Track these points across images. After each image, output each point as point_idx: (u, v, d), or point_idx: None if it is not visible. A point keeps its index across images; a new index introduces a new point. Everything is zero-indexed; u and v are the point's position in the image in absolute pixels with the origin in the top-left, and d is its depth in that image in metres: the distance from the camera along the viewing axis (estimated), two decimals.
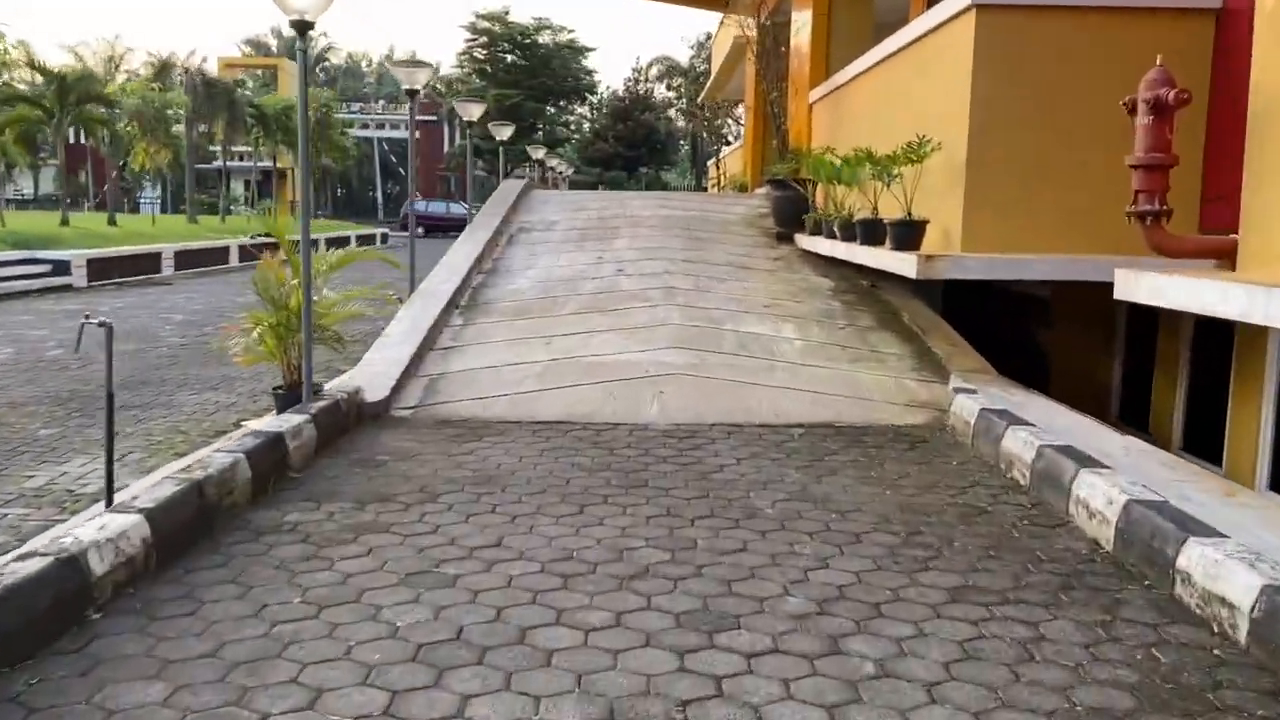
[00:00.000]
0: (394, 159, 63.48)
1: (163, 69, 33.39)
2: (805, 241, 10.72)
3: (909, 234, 7.31)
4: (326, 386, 6.37)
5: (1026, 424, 5.36)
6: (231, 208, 44.97)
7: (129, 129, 30.87)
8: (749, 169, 19.73)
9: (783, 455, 5.51)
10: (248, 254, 24.96)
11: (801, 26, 12.56)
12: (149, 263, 20.21)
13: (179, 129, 33.30)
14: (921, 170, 7.33)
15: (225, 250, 23.49)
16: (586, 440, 5.78)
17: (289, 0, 8.41)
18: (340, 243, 26.70)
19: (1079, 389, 8.70)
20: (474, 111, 19.25)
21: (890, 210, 8.12)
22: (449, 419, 6.26)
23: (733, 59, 22.67)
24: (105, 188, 45.50)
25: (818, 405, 6.51)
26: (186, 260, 21.50)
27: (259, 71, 55.89)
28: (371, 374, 6.70)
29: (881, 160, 7.65)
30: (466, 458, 5.38)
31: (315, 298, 6.21)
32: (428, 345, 7.54)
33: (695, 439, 5.86)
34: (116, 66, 33.19)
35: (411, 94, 12.70)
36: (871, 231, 8.20)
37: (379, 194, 63.34)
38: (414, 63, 12.89)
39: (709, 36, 43.03)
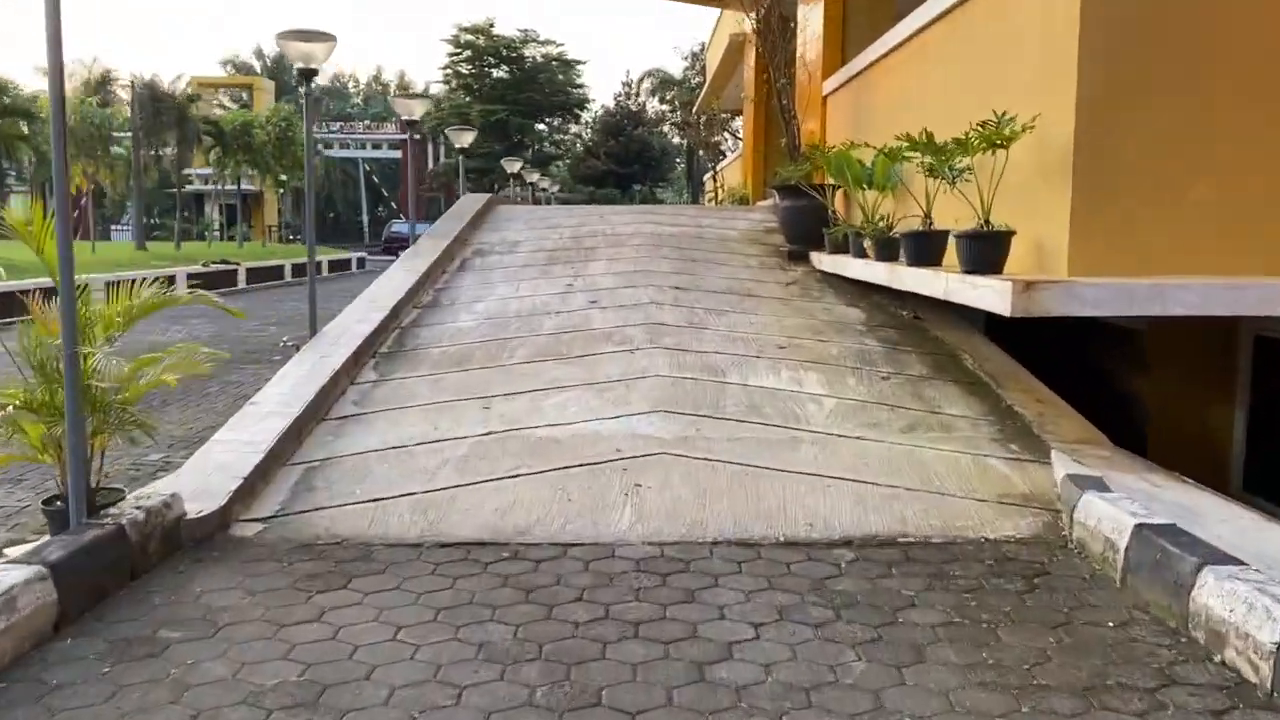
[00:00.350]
0: (376, 180, 61.53)
1: (102, 82, 31.27)
2: (825, 261, 8.63)
3: (988, 251, 5.20)
4: (131, 495, 4.24)
5: (1233, 561, 3.25)
6: (205, 234, 42.97)
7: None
8: (750, 180, 17.69)
9: (829, 610, 3.40)
10: (200, 283, 22.88)
11: (812, 7, 10.49)
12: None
13: (121, 149, 31.18)
14: (998, 162, 5.24)
15: (172, 280, 21.44)
16: (515, 584, 3.66)
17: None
18: (267, 273, 24.26)
19: (1187, 450, 6.61)
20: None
21: (945, 220, 6.04)
22: (315, 541, 4.13)
23: (730, 60, 20.68)
24: (75, 214, 43.50)
25: (869, 505, 4.39)
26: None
27: (242, 93, 53.95)
28: (211, 467, 4.58)
29: (944, 149, 5.55)
30: (306, 630, 3.26)
31: (106, 361, 4.07)
32: (315, 415, 5.43)
33: (686, 574, 3.74)
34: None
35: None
36: (924, 248, 6.12)
37: (364, 216, 61.31)
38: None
39: (703, 47, 41.18)
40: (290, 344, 6.78)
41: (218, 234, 42.44)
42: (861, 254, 7.57)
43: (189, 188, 43.36)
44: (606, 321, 7.29)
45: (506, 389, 5.91)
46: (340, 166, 59.80)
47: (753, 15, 11.22)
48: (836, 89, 10.09)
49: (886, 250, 6.89)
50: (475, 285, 8.56)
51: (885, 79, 8.36)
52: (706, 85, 24.71)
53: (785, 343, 6.77)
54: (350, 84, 78.25)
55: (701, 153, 39.12)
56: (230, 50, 75.10)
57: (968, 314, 7.06)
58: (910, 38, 7.43)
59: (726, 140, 31.62)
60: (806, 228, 9.39)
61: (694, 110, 26.15)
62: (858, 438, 5.17)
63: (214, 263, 24.90)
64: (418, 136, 53.00)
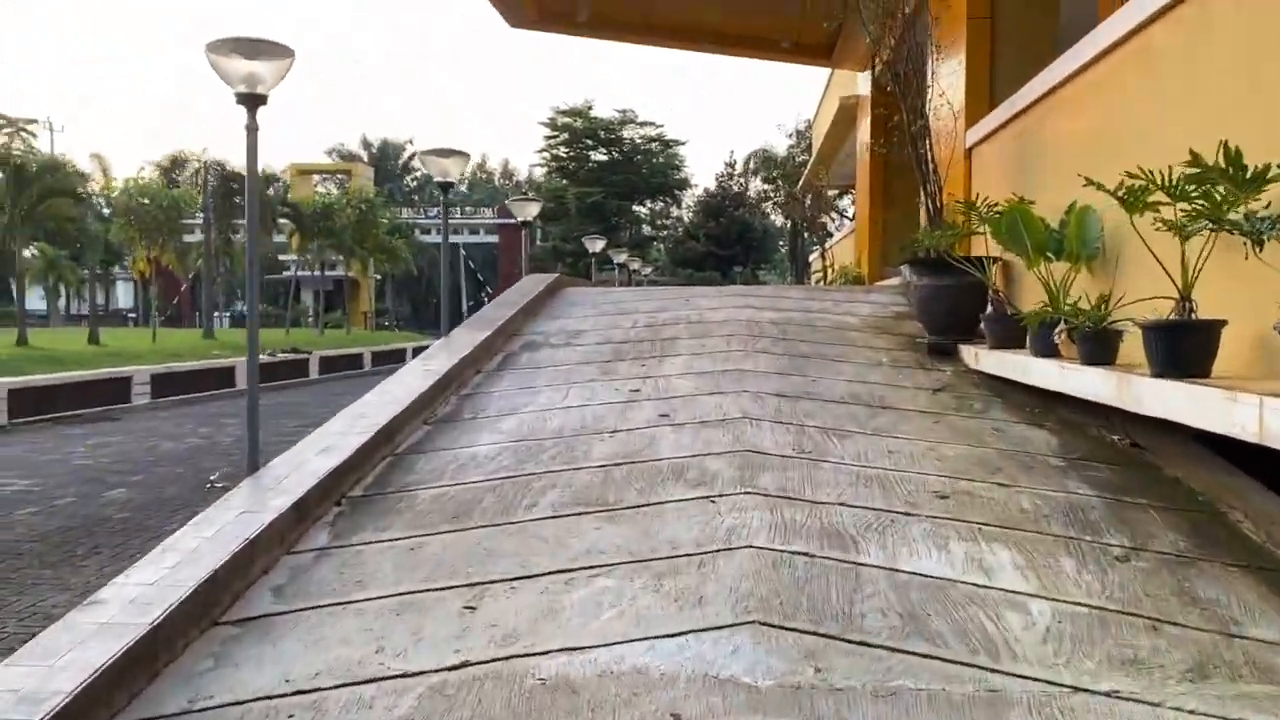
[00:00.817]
0: (473, 264, 61.04)
1: (173, 165, 30.92)
2: (985, 359, 6.33)
3: None
4: None
5: None
6: (300, 320, 42.53)
7: (125, 230, 28.09)
8: (865, 258, 15.47)
9: None
10: (264, 374, 21.57)
11: (949, 45, 8.31)
12: (109, 391, 16.35)
13: (193, 237, 30.62)
14: None
15: (229, 372, 20.07)
16: None
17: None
18: (343, 362, 22.55)
19: None
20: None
21: (1212, 304, 3.74)
22: None
23: (840, 127, 18.65)
24: (175, 301, 43.79)
25: None
26: (167, 385, 17.85)
27: (340, 177, 54.31)
28: None
29: (1251, 179, 3.27)
30: None
31: None
32: (194, 622, 3.37)
33: None
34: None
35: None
36: (1186, 348, 3.79)
37: (464, 301, 60.77)
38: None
39: (808, 124, 39.49)
40: (219, 484, 4.86)
41: (312, 320, 41.87)
42: (1048, 351, 5.27)
43: (285, 274, 43.16)
44: (679, 447, 5.12)
45: (512, 569, 3.76)
46: (440, 251, 59.68)
47: (876, 60, 9.15)
48: (983, 140, 7.87)
49: (1100, 348, 4.58)
50: (512, 391, 6.50)
51: (1062, 115, 6.11)
52: (813, 157, 22.73)
53: (947, 488, 4.48)
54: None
55: (806, 232, 37.02)
56: (336, 140, 76.81)
57: (1205, 436, 4.68)
58: (1113, 47, 5.19)
59: (834, 220, 29.53)
60: (954, 313, 7.12)
61: (799, 186, 24.12)
62: (1110, 693, 2.84)
63: (284, 351, 23.69)
64: (514, 220, 52.56)
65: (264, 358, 22.10)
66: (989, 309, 6.42)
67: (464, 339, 7.41)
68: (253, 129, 4.45)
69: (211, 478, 6.72)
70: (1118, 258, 5.12)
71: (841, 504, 4.27)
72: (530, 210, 13.28)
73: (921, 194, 7.40)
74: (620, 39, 16.64)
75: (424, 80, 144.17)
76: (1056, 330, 5.13)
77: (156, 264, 36.64)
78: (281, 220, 33.04)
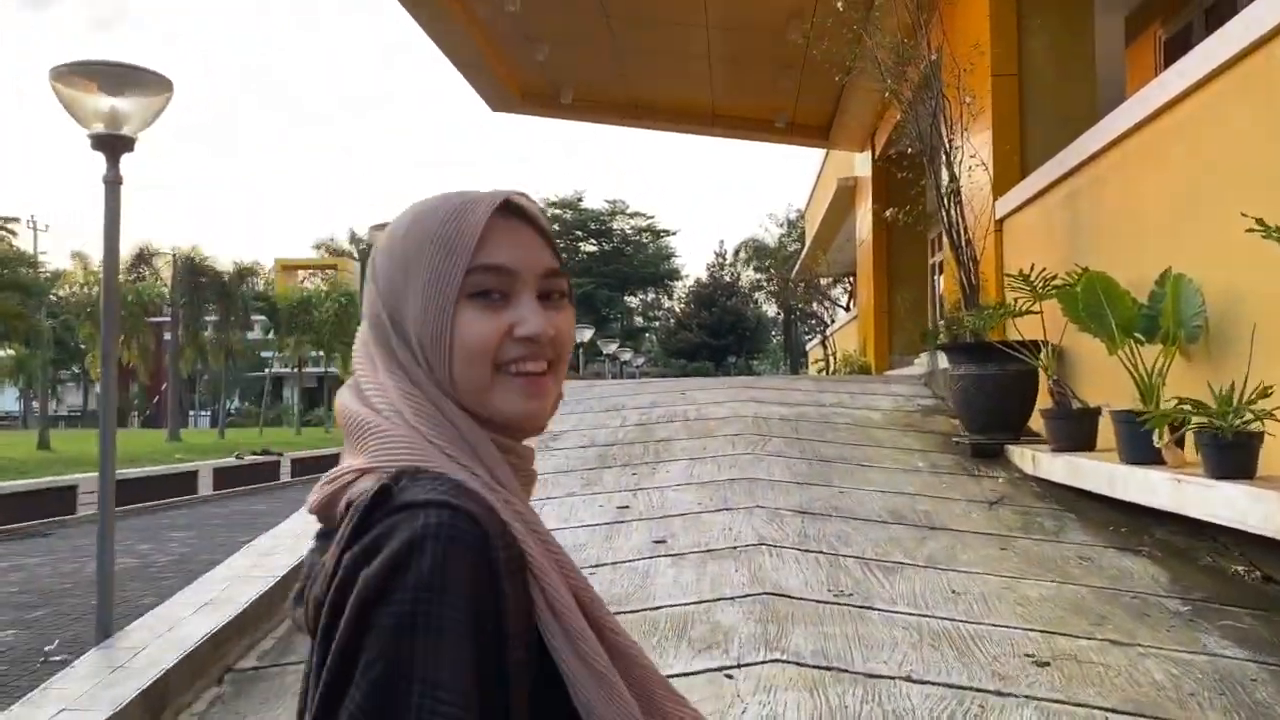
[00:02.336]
0: None
1: (140, 259, 29.94)
2: (1052, 465, 5.19)
3: None
4: None
5: None
6: (282, 418, 41.28)
7: (83, 327, 27.03)
8: (870, 345, 14.44)
9: None
10: (229, 479, 20.24)
11: (973, 107, 7.32)
12: (50, 502, 14.89)
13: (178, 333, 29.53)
14: None
15: (190, 477, 18.78)
16: None
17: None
18: (319, 464, 21.07)
19: None
20: None
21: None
22: None
23: (838, 210, 17.83)
24: (155, 400, 42.58)
25: None
26: (118, 494, 16.26)
27: (328, 272, 53.61)
28: None
29: None
30: None
31: None
32: None
33: None
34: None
35: None
36: None
37: None
38: None
39: (799, 214, 39.04)
40: (55, 656, 3.67)
41: (298, 418, 40.65)
42: (1146, 457, 4.15)
43: (269, 371, 42.08)
44: (680, 589, 3.95)
45: None
46: None
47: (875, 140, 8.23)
48: (1019, 208, 6.88)
49: (1238, 457, 3.46)
50: None
51: (1135, 169, 5.10)
52: (809, 244, 21.93)
53: (1043, 650, 3.30)
54: None
55: (797, 316, 36.19)
56: (324, 234, 76.45)
57: None
58: (1211, 77, 4.19)
59: (827, 308, 28.68)
60: (1000, 408, 6.03)
61: (794, 273, 23.27)
62: None
63: (253, 452, 22.41)
64: None
65: (231, 460, 20.86)
66: (1051, 403, 5.31)
67: None
68: (114, 182, 3.40)
69: (47, 649, 5.39)
70: (1229, 338, 4.05)
71: (907, 678, 3.09)
72: None
73: (959, 271, 6.36)
74: (606, 121, 15.90)
75: (413, 173, 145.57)
76: (1157, 432, 4.01)
77: (121, 362, 35.55)
78: (258, 316, 32.15)
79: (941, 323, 8.53)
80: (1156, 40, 8.61)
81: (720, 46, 12.20)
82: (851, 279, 25.19)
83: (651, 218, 52.77)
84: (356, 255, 66.52)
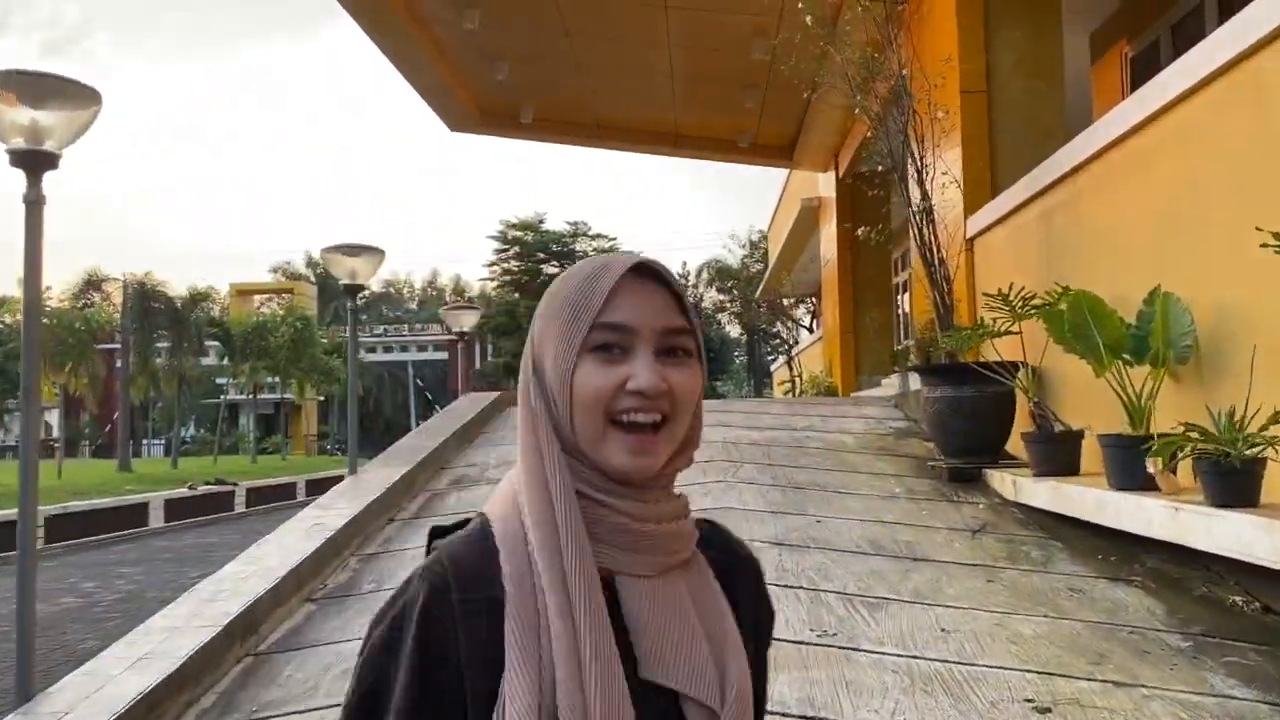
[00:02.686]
0: (421, 382, 59.30)
1: (88, 285, 29.16)
2: (1035, 490, 5.01)
3: None
4: None
5: None
6: (239, 446, 40.46)
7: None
8: (837, 367, 14.31)
9: None
10: (181, 510, 19.63)
11: (943, 125, 7.17)
12: None
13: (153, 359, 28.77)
14: None
15: (141, 509, 18.13)
16: None
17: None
18: (274, 493, 20.34)
19: None
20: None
21: None
22: None
23: (801, 232, 17.78)
24: (107, 429, 41.66)
25: None
26: (64, 528, 15.49)
27: (284, 297, 52.84)
28: None
29: None
30: None
31: None
32: None
33: None
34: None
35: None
36: None
37: (413, 421, 58.92)
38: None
39: (762, 235, 39.13)
40: None
41: (252, 445, 39.73)
42: (1136, 483, 3.98)
43: (225, 398, 41.28)
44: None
45: None
46: (388, 370, 57.93)
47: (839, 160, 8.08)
48: (991, 226, 6.75)
49: (1242, 484, 3.28)
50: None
51: (1118, 183, 4.97)
52: (772, 264, 21.85)
53: (1043, 694, 3.09)
54: (405, 289, 78.07)
55: (765, 342, 36.12)
56: (281, 258, 75.52)
57: None
58: (1205, 82, 4.05)
59: (790, 329, 28.61)
60: (977, 431, 5.86)
61: (758, 293, 23.16)
62: None
63: (209, 483, 21.82)
64: (460, 334, 51.12)
65: (184, 491, 20.26)
66: (1032, 426, 5.14)
67: (375, 477, 5.97)
68: (36, 202, 3.11)
69: None
70: (1220, 358, 3.89)
71: None
72: (466, 320, 12.07)
73: (934, 290, 6.19)
74: (567, 141, 15.69)
75: (373, 197, 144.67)
76: (1151, 458, 3.83)
77: (67, 391, 34.56)
78: (213, 342, 31.47)
79: (911, 343, 8.38)
80: (1123, 58, 8.57)
81: (683, 65, 12.07)
82: (815, 299, 25.16)
83: (614, 239, 52.64)
84: (314, 279, 65.76)
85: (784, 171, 18.92)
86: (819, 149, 14.31)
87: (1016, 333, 5.12)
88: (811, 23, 6.10)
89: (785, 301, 24.27)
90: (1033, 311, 5.04)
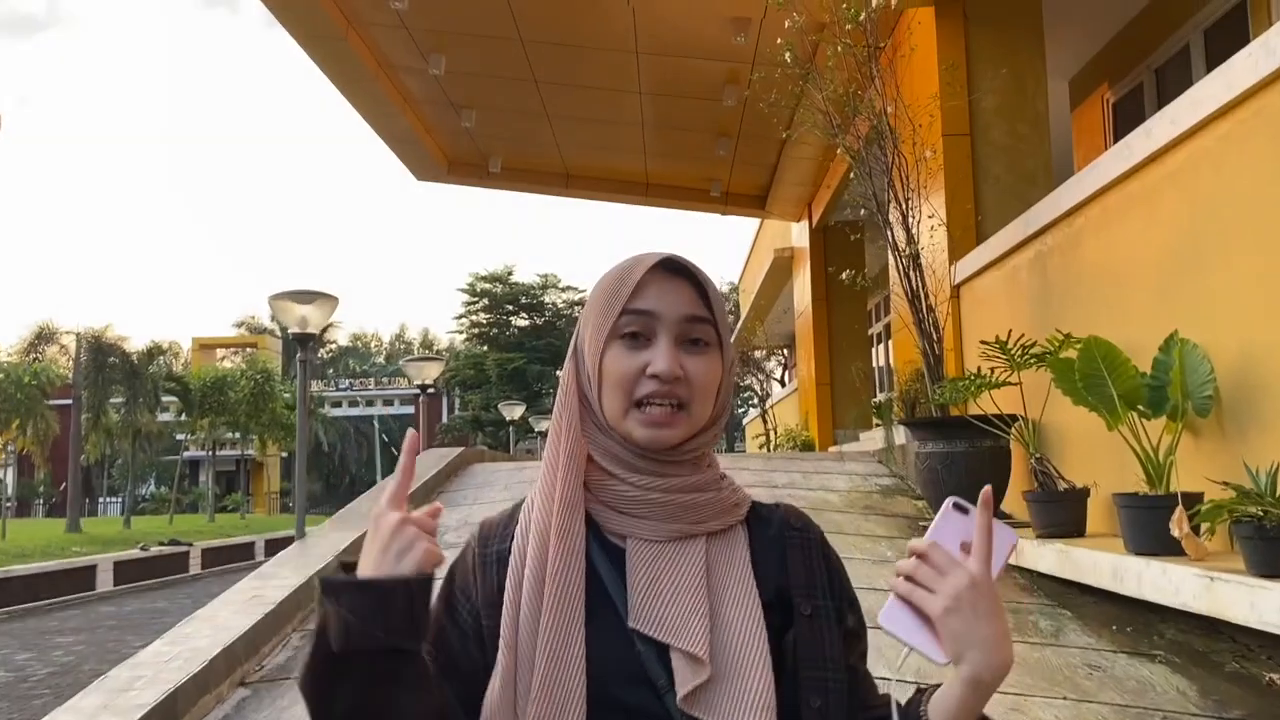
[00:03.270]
0: (386, 438, 58.36)
1: (40, 338, 28.25)
2: (1040, 554, 4.63)
3: None
4: None
5: None
6: (198, 504, 39.40)
7: None
8: (813, 420, 13.98)
9: None
10: (131, 573, 18.81)
11: (923, 169, 6.89)
12: None
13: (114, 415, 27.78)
14: None
15: (88, 572, 17.27)
16: None
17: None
18: (231, 553, 19.40)
19: None
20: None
21: None
22: None
23: (774, 282, 17.57)
24: (61, 487, 40.51)
25: None
26: (10, 593, 14.71)
27: (249, 350, 51.93)
28: None
29: None
30: None
31: None
32: None
33: None
34: None
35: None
36: None
37: (378, 476, 57.90)
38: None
39: (732, 286, 39.06)
40: None
41: (213, 504, 38.60)
42: (1158, 547, 3.62)
43: (182, 455, 40.24)
44: None
45: None
46: (354, 425, 56.98)
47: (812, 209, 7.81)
48: (979, 272, 6.46)
49: None
50: None
51: (1122, 222, 4.68)
52: (744, 316, 21.61)
53: None
54: (373, 343, 77.31)
55: (736, 394, 35.73)
56: (246, 311, 74.55)
57: None
58: (1192, 132, 3.77)
59: (762, 382, 28.25)
60: (973, 487, 5.39)
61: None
62: None
63: (162, 543, 21.00)
64: (430, 389, 50.45)
65: (136, 552, 19.43)
66: (1034, 483, 4.78)
67: (325, 542, 5.51)
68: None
69: None
70: (1244, 409, 3.57)
71: None
72: (430, 371, 11.68)
73: (921, 338, 5.86)
74: (536, 190, 15.40)
75: (343, 249, 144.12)
76: (1175, 519, 3.48)
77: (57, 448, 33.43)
78: (170, 397, 30.58)
79: (894, 395, 8.05)
80: (1104, 103, 8.41)
81: (654, 113, 11.84)
82: (785, 351, 24.90)
83: (583, 291, 52.32)
84: (279, 332, 64.94)
85: (755, 222, 18.76)
86: (792, 198, 14.12)
87: (1015, 383, 4.79)
88: (791, 60, 5.84)
89: (757, 354, 24.00)
90: (1032, 360, 4.72)
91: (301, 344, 7.17)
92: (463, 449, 8.80)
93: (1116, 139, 8.49)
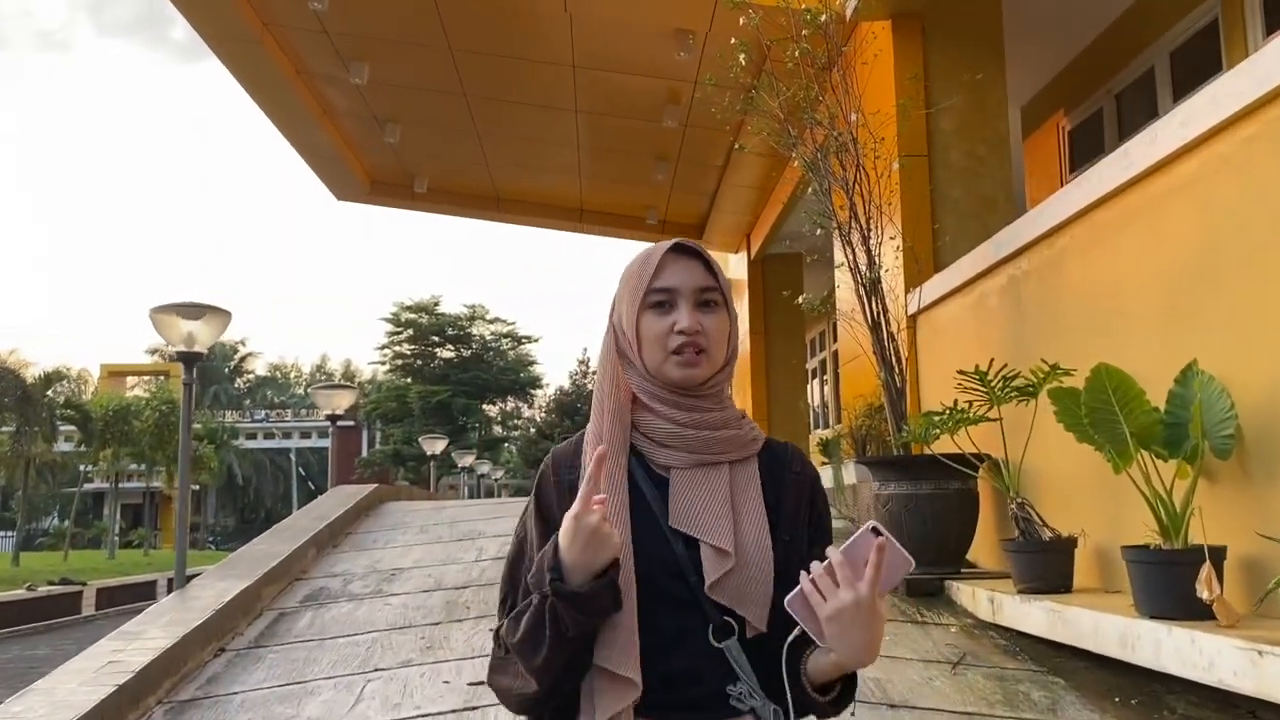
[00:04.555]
0: (304, 471, 56.37)
1: None
2: (1023, 612, 4.12)
3: None
4: None
5: None
6: (101, 539, 37.32)
7: None
8: None
9: None
10: (14, 615, 17.40)
11: (881, 190, 6.42)
12: None
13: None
14: None
15: None
16: None
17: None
18: (131, 593, 18.02)
19: None
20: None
21: None
22: None
23: None
24: None
25: None
26: None
27: (160, 378, 49.66)
28: None
29: None
30: None
31: None
32: None
33: None
34: None
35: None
36: None
37: (294, 510, 55.87)
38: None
39: None
40: None
41: (117, 539, 36.52)
42: (1173, 609, 3.12)
43: (79, 487, 38.09)
44: None
45: None
46: (270, 458, 54.94)
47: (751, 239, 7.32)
48: (941, 299, 5.99)
49: None
50: (270, 690, 3.87)
51: (1095, 252, 4.24)
52: None
53: None
54: (293, 373, 75.10)
55: None
56: (158, 339, 71.86)
57: None
58: (1207, 137, 3.33)
59: None
60: (939, 533, 5.00)
61: None
62: None
63: (52, 583, 19.58)
64: (349, 422, 48.85)
65: (19, 593, 17.99)
66: (1015, 530, 4.27)
67: (207, 592, 4.75)
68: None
69: None
70: (1272, 451, 3.10)
71: None
72: (340, 401, 10.83)
73: (881, 371, 5.34)
74: (464, 214, 14.75)
75: (263, 278, 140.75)
76: (1202, 580, 2.98)
77: None
78: (67, 426, 28.90)
79: (838, 429, 7.55)
80: (1059, 131, 8.10)
81: (590, 133, 11.32)
82: None
83: (512, 324, 51.46)
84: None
85: None
86: (731, 228, 13.70)
87: (995, 419, 4.29)
88: (745, 61, 5.33)
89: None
90: (1013, 393, 4.23)
91: (187, 364, 6.41)
92: (376, 485, 8.04)
93: (1073, 168, 8.20)
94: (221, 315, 6.34)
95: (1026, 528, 4.25)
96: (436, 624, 4.63)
